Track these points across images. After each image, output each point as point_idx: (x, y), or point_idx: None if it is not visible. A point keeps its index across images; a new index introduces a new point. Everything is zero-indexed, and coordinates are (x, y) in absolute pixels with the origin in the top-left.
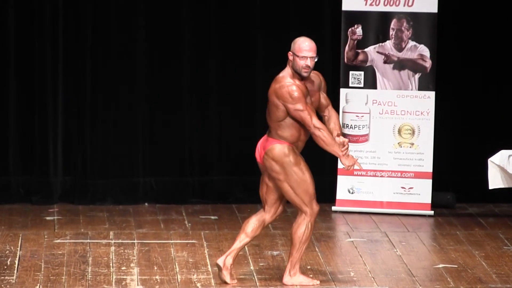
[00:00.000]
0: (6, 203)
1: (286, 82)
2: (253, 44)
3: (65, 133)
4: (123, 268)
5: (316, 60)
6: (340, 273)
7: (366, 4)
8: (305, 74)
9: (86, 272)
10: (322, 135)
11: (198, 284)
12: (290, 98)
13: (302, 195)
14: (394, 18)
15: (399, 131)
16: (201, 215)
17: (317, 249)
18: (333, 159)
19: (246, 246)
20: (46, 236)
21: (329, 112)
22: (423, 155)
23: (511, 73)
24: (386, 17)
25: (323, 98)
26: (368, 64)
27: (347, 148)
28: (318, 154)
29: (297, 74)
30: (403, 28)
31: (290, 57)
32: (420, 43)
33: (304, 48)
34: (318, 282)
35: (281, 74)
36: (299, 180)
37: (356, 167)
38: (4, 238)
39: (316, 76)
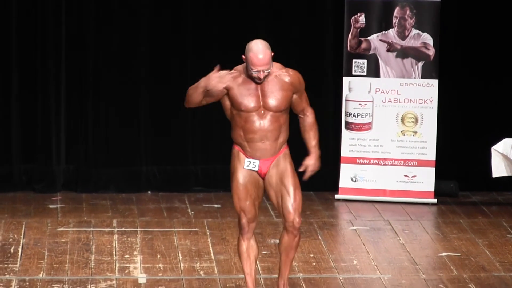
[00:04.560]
0: (9, 191)
1: (224, 71)
2: (255, 36)
3: (68, 121)
4: (126, 256)
5: (269, 70)
6: (343, 261)
7: None
8: (258, 82)
9: (89, 260)
10: (187, 94)
11: (201, 272)
12: None
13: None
14: (397, 6)
15: (402, 120)
16: (204, 203)
17: (320, 237)
18: (336, 148)
19: None
20: (49, 224)
21: (305, 115)
22: (426, 143)
23: None
24: (389, 5)
25: (297, 99)
26: (371, 52)
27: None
28: (321, 142)
29: (249, 75)
30: (406, 16)
31: (244, 60)
32: (423, 31)
33: (257, 63)
34: None
35: (236, 66)
36: (232, 188)
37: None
38: (8, 226)
39: (289, 76)
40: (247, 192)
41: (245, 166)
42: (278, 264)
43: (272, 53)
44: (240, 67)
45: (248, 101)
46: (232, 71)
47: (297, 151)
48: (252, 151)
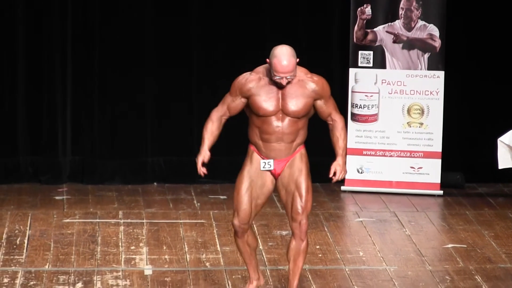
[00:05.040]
0: (15, 182)
1: (246, 73)
2: (261, 27)
3: (74, 113)
4: (132, 248)
5: (293, 75)
6: (349, 253)
7: None
8: (281, 87)
9: (95, 252)
10: (206, 122)
11: (207, 264)
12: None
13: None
14: None
15: (408, 111)
16: (210, 195)
17: (326, 229)
18: None
19: (255, 226)
20: (55, 216)
21: (333, 121)
22: (432, 134)
23: None
24: None
25: (322, 106)
26: (377, 43)
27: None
28: (326, 133)
29: (271, 77)
30: (412, 8)
31: (268, 63)
32: (429, 22)
33: (280, 70)
34: None
35: (259, 67)
36: (235, 186)
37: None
38: (14, 217)
39: (313, 83)
40: (247, 192)
41: (262, 168)
42: (284, 255)
43: (297, 59)
44: (261, 69)
45: (268, 105)
46: (253, 73)
47: (311, 154)
48: (266, 151)
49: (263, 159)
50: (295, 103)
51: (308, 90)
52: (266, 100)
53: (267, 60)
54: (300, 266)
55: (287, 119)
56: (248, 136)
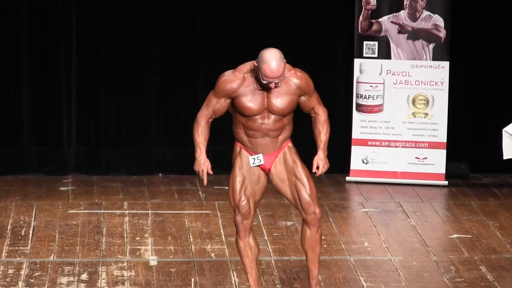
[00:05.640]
0: (20, 173)
1: (226, 72)
2: (264, 15)
3: (79, 104)
4: (137, 239)
5: (282, 79)
6: (354, 243)
7: None
8: (268, 89)
9: (100, 243)
10: (193, 125)
11: (212, 254)
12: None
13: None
14: None
15: (413, 101)
16: (215, 186)
17: (331, 220)
18: (347, 130)
19: (260, 217)
20: (60, 207)
21: (316, 114)
22: (437, 125)
23: None
24: None
25: (306, 101)
26: (382, 34)
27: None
28: (332, 124)
29: (258, 79)
30: None
31: (255, 67)
32: (434, 13)
33: (270, 75)
34: None
35: (243, 64)
36: (229, 184)
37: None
38: (18, 208)
39: (297, 79)
40: (242, 188)
41: (252, 164)
42: (288, 246)
43: (285, 61)
44: (245, 67)
45: (253, 105)
46: (236, 72)
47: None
48: (253, 147)
49: (251, 155)
50: (280, 102)
51: (292, 87)
52: (252, 100)
53: (255, 63)
54: (319, 253)
55: (272, 117)
56: (233, 134)
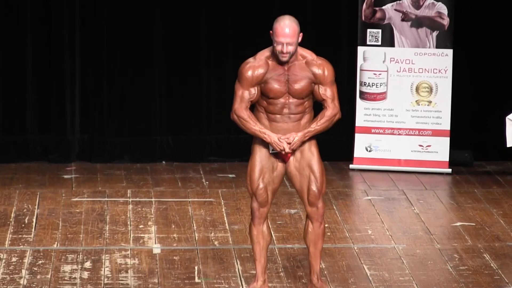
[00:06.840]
0: (23, 161)
1: (248, 60)
2: (269, 7)
3: (82, 91)
4: (140, 226)
5: (294, 45)
6: (358, 231)
7: None
8: (283, 59)
9: (104, 231)
10: (239, 122)
11: (216, 242)
12: (238, 75)
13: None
14: None
15: (417, 89)
16: (218, 173)
17: (334, 207)
18: (351, 118)
19: None
20: (63, 195)
21: (325, 107)
22: (440, 113)
23: None
24: None
25: (316, 91)
26: (386, 22)
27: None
28: None
29: (276, 56)
30: None
31: (271, 37)
32: (437, 0)
33: (280, 33)
34: None
35: (262, 51)
36: (248, 171)
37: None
38: (22, 196)
39: (316, 66)
40: (261, 176)
41: (271, 151)
42: (292, 234)
43: (301, 34)
44: (264, 54)
45: (278, 86)
46: (257, 58)
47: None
48: (274, 131)
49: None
50: (299, 84)
51: (309, 72)
52: (276, 83)
53: (271, 32)
54: (321, 248)
55: (293, 100)
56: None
